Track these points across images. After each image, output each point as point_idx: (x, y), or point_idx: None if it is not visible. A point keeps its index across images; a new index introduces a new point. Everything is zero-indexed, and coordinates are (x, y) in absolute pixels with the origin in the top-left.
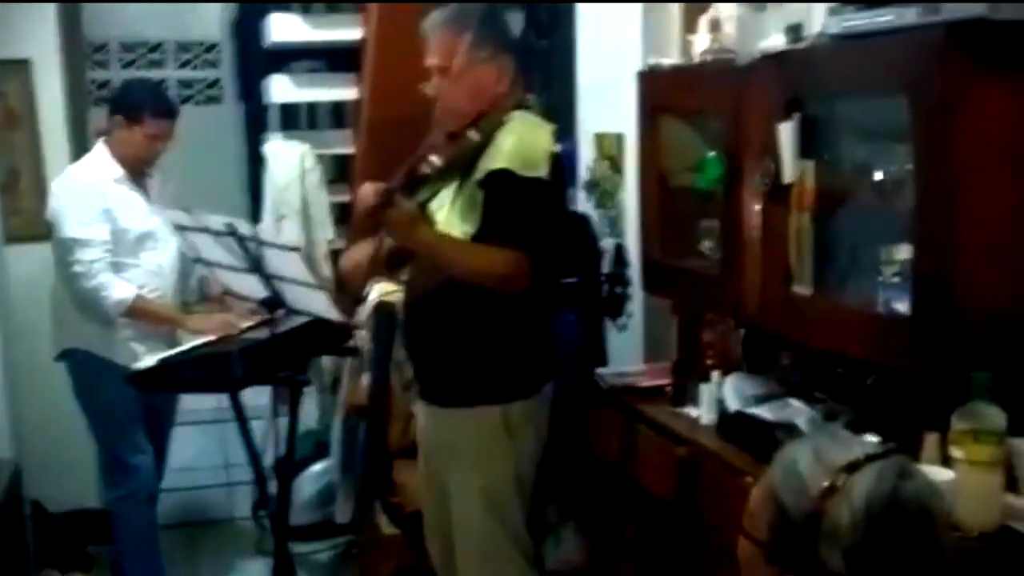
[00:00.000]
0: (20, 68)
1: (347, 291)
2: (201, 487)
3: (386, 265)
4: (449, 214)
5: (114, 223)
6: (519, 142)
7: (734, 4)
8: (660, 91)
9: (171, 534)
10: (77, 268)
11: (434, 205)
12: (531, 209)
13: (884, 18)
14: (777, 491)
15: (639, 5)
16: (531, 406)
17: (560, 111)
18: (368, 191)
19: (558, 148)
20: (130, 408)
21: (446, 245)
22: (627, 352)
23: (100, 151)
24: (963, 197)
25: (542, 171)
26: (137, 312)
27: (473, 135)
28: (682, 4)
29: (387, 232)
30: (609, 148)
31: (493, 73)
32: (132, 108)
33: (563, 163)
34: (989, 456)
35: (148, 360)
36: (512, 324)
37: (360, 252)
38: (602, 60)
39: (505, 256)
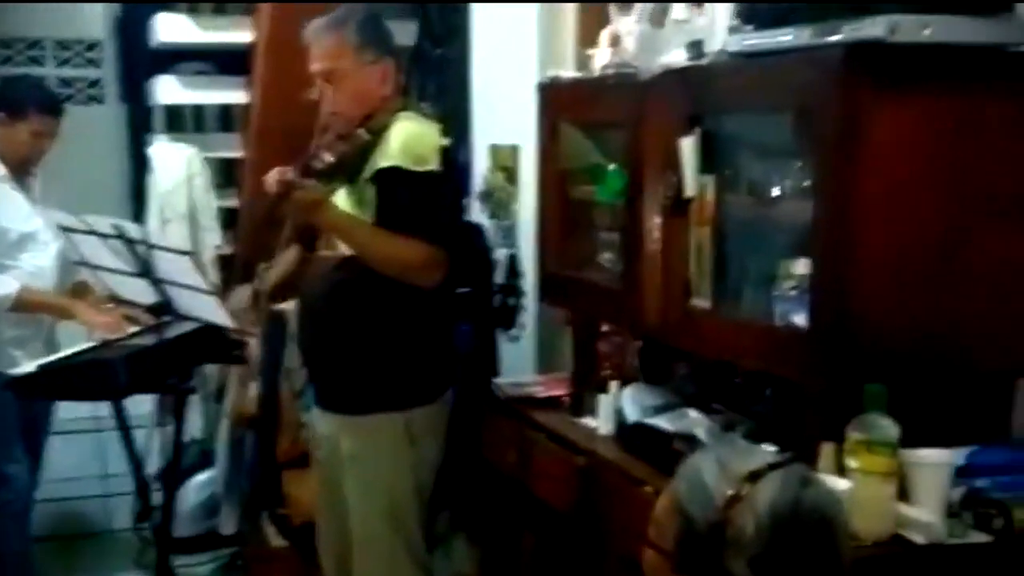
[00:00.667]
0: None
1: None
2: (78, 498)
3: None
4: None
5: None
6: (407, 138)
7: (634, 19)
8: (560, 103)
9: (46, 546)
10: None
11: None
12: (427, 201)
13: (784, 38)
14: (682, 501)
15: (535, 17)
16: (432, 413)
17: (455, 121)
18: (272, 176)
19: (447, 142)
20: (5, 415)
21: (360, 228)
22: (519, 363)
23: None
24: (859, 214)
25: (432, 164)
26: (25, 304)
27: (362, 134)
28: (577, 17)
29: (295, 214)
30: (504, 159)
31: (377, 76)
32: (15, 104)
33: (455, 157)
34: (883, 467)
35: (28, 366)
36: (413, 328)
37: (243, 293)
38: (497, 71)
39: (420, 246)
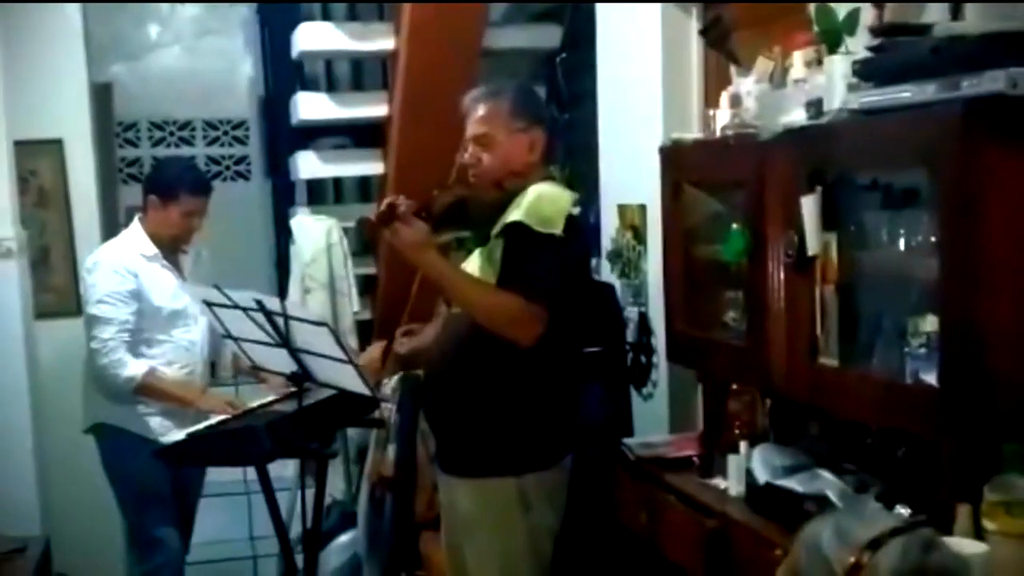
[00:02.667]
0: (53, 148)
1: None
2: (227, 559)
3: (402, 365)
4: (472, 269)
5: (147, 301)
6: (538, 199)
7: (754, 79)
8: (683, 165)
9: None
10: (94, 345)
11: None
12: (538, 261)
13: (904, 94)
14: (802, 571)
15: (659, 79)
16: (548, 479)
17: (583, 183)
18: (384, 202)
19: (577, 211)
20: (157, 482)
21: (456, 276)
22: (653, 421)
23: (135, 229)
24: (987, 269)
25: (556, 228)
26: (149, 390)
27: (492, 190)
28: (701, 78)
29: (396, 247)
30: (632, 219)
31: (525, 143)
32: (166, 187)
33: (583, 227)
34: (1022, 529)
35: (176, 434)
36: (530, 391)
37: (375, 351)
38: (624, 134)
39: (516, 300)
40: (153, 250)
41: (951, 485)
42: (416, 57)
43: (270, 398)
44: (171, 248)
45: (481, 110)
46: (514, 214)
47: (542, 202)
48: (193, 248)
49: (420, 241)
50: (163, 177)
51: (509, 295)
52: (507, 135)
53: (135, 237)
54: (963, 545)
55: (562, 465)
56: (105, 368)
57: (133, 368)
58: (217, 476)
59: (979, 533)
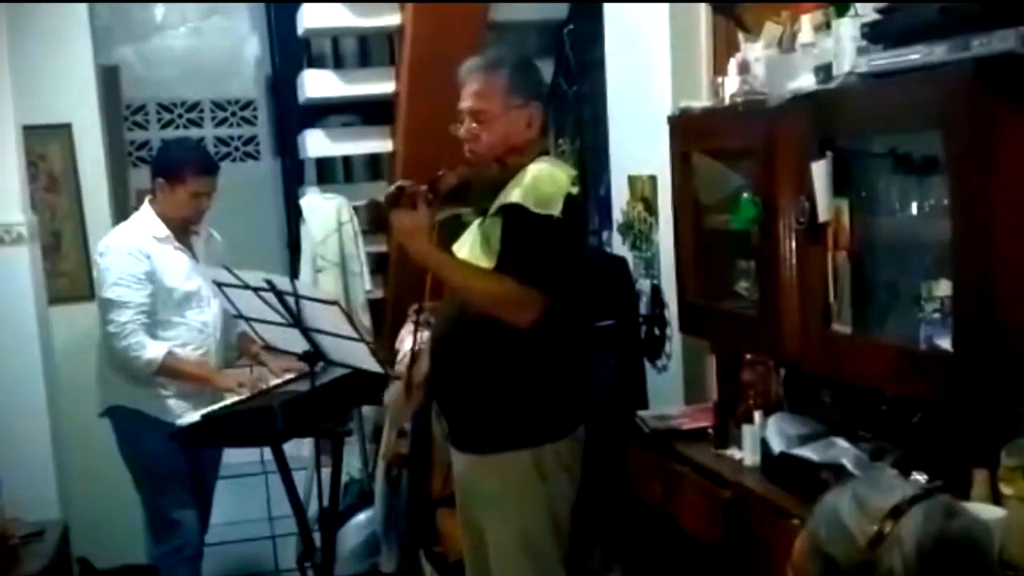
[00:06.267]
0: (61, 132)
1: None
2: (246, 540)
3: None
4: (470, 251)
5: (160, 283)
6: (536, 179)
7: (762, 45)
8: (692, 134)
9: None
10: (111, 328)
11: (456, 246)
12: (536, 244)
13: (912, 56)
14: (822, 543)
15: (667, 47)
16: (563, 448)
17: (594, 155)
18: (393, 186)
19: (575, 190)
20: (173, 464)
21: (450, 263)
22: (667, 393)
23: (146, 211)
24: (999, 231)
25: (554, 209)
26: (168, 371)
27: (495, 168)
28: (709, 45)
29: (395, 232)
30: (642, 190)
31: (523, 120)
32: (173, 168)
33: (581, 207)
34: None
35: (191, 416)
36: (538, 366)
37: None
38: (633, 104)
39: (510, 285)
40: (165, 232)
41: (967, 450)
42: (422, 32)
43: (286, 377)
44: (182, 229)
45: (478, 84)
46: (513, 195)
47: (541, 182)
48: (204, 229)
49: (416, 227)
50: (169, 159)
51: (503, 279)
52: (505, 111)
53: (146, 220)
54: (981, 510)
55: (576, 435)
56: (125, 351)
57: (152, 350)
58: (234, 457)
59: (996, 498)
